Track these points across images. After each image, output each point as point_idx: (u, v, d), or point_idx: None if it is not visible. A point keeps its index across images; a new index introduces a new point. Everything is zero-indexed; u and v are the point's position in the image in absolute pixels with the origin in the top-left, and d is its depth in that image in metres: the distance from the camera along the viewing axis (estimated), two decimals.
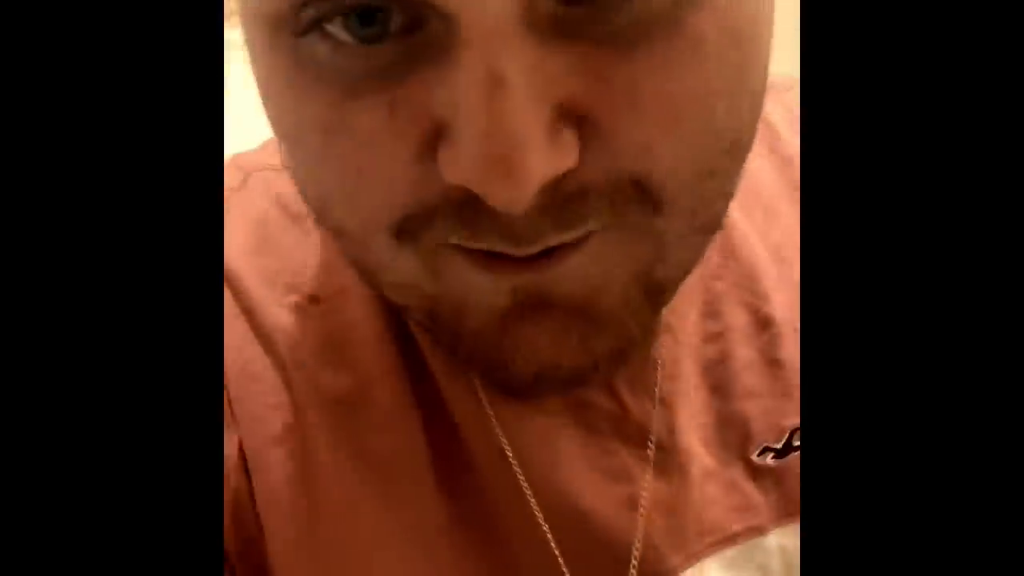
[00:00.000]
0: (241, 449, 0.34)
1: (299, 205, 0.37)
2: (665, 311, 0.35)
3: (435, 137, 0.25)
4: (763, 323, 0.37)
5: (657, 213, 0.27)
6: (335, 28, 0.25)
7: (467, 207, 0.26)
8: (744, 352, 0.37)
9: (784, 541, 0.36)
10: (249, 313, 0.35)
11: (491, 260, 0.27)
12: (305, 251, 0.37)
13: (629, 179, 0.26)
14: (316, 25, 0.25)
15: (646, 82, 0.25)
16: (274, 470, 0.34)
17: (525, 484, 0.34)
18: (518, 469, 0.34)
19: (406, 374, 0.35)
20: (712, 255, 0.37)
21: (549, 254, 0.27)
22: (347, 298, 0.36)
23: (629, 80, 0.25)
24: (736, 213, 0.38)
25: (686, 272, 0.31)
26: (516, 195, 0.24)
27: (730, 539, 0.36)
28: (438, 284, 0.29)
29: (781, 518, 0.36)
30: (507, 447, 0.34)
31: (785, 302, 0.38)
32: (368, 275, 0.31)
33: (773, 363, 0.37)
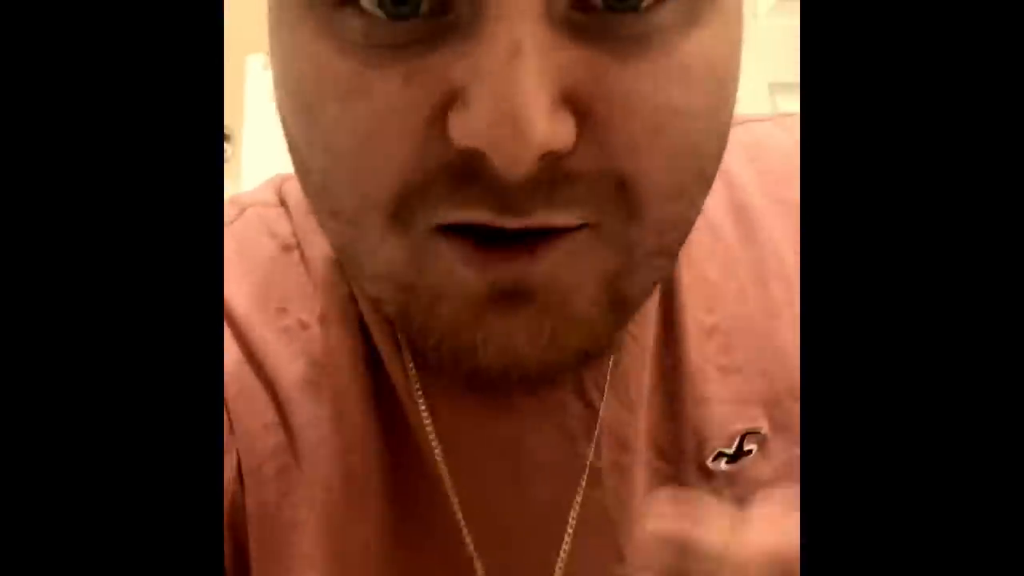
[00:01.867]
0: (239, 463, 0.36)
1: (290, 237, 0.40)
2: (631, 322, 0.37)
3: (446, 105, 0.28)
4: (711, 331, 0.39)
5: (632, 221, 0.30)
6: (368, 3, 0.28)
7: (464, 177, 0.28)
8: (696, 359, 0.39)
9: None
10: (242, 337, 0.37)
11: (475, 253, 0.29)
12: (294, 278, 0.39)
13: (615, 177, 0.29)
14: None
15: (638, 92, 0.28)
16: (266, 484, 0.36)
17: (455, 499, 0.36)
18: (451, 489, 0.36)
19: (375, 397, 0.37)
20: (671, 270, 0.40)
21: (531, 244, 0.29)
22: (329, 323, 0.38)
23: (624, 88, 0.28)
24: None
25: (647, 291, 0.33)
26: (520, 153, 0.26)
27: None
28: (419, 275, 0.30)
29: None
30: (443, 467, 0.36)
31: (734, 310, 0.40)
32: (353, 264, 0.33)
33: (722, 369, 0.39)
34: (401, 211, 0.29)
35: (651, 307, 0.39)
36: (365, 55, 0.28)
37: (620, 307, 0.32)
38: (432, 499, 0.37)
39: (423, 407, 0.37)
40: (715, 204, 0.42)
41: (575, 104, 0.28)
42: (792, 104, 1.73)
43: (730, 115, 0.32)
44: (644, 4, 0.28)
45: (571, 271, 0.30)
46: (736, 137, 0.44)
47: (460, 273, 0.30)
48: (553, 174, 0.28)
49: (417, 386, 0.37)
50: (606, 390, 0.38)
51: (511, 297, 0.30)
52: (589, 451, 0.37)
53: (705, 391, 0.39)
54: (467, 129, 0.27)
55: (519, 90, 0.26)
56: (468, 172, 0.28)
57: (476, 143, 0.27)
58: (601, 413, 0.37)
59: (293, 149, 0.32)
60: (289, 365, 0.37)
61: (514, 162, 0.26)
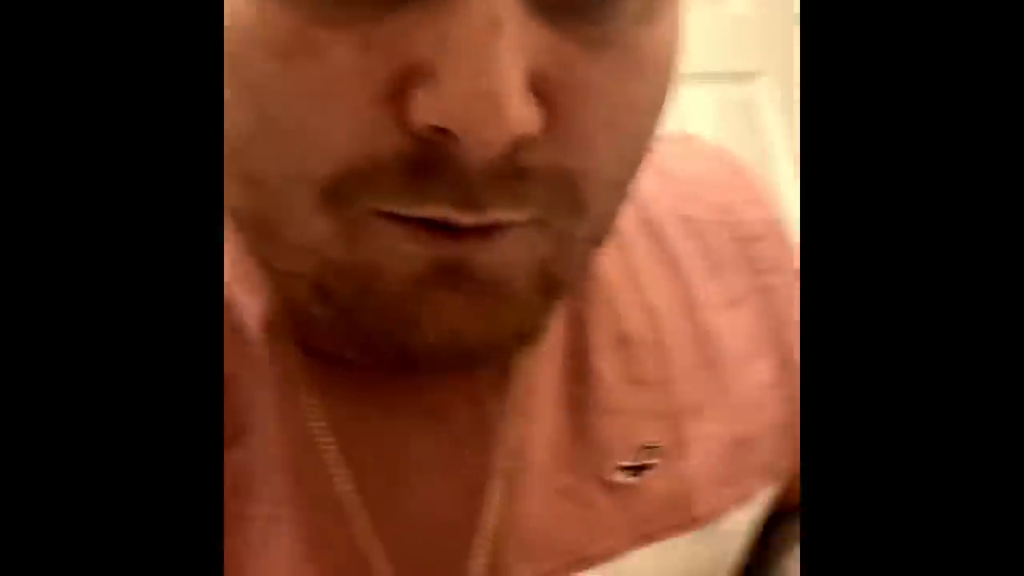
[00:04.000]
0: None
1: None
2: None
3: (405, 81, 0.26)
4: (621, 342, 0.39)
5: (575, 215, 0.29)
6: None
7: (421, 168, 0.26)
8: (604, 369, 0.38)
9: (643, 566, 0.37)
10: None
11: (419, 231, 0.28)
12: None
13: (567, 175, 0.28)
14: None
15: (601, 83, 0.28)
16: None
17: (358, 497, 0.34)
18: (349, 485, 0.34)
19: (274, 384, 0.35)
20: None
21: (482, 231, 0.28)
22: (232, 294, 0.35)
23: (587, 78, 0.27)
24: None
25: (577, 276, 0.33)
26: (495, 135, 0.25)
27: (585, 560, 0.36)
28: (349, 250, 0.28)
29: (637, 540, 0.37)
30: (338, 462, 0.34)
31: (642, 322, 0.40)
32: (268, 234, 0.30)
33: (630, 380, 0.38)
34: (338, 191, 0.27)
35: (554, 314, 0.38)
36: (313, 10, 0.26)
37: (552, 290, 0.31)
38: (338, 495, 0.34)
39: (314, 400, 0.35)
40: (625, 218, 0.41)
41: (541, 91, 0.26)
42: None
43: (667, 105, 0.31)
44: None
45: (512, 256, 0.29)
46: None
47: (402, 249, 0.28)
48: (512, 167, 0.27)
49: (308, 374, 0.35)
50: (502, 396, 0.36)
51: (453, 274, 0.28)
52: (478, 458, 0.36)
53: (613, 402, 0.38)
54: (436, 107, 0.25)
55: (497, 67, 0.24)
56: (426, 162, 0.26)
57: (446, 123, 0.25)
58: (494, 420, 0.36)
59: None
60: None
61: (487, 144, 0.25)
